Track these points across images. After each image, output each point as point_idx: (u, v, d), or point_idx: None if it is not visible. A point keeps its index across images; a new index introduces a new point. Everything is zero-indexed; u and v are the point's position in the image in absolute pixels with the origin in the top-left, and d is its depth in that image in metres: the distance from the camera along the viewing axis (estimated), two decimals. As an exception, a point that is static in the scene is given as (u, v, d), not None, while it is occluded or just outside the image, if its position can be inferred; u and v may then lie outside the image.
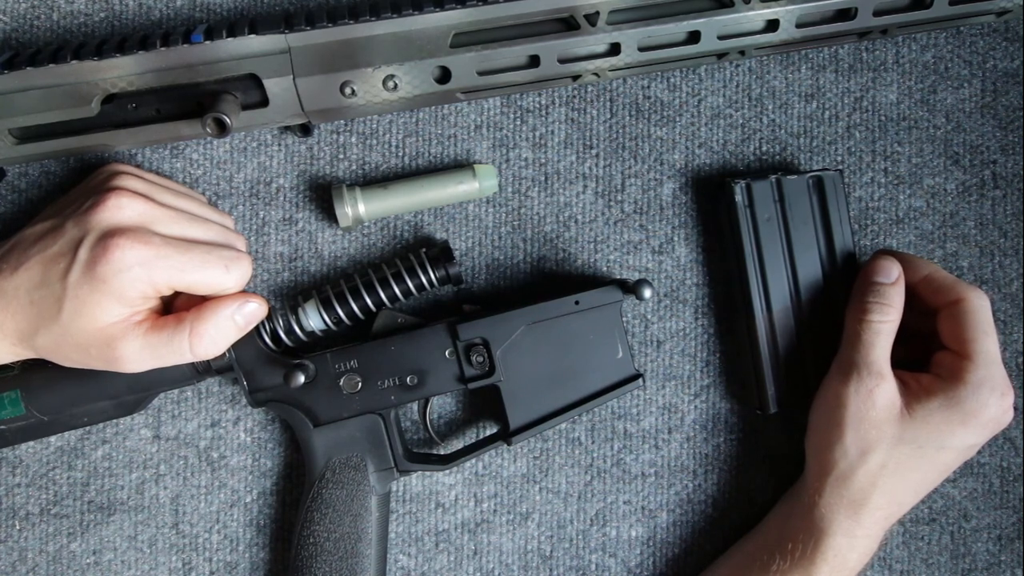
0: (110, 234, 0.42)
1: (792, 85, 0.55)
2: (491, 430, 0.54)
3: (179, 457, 0.53)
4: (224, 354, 0.48)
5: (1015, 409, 0.52)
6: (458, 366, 0.49)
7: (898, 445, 0.47)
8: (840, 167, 0.54)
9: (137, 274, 0.42)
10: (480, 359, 0.49)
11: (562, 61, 0.47)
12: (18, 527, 0.53)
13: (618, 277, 0.54)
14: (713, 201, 0.54)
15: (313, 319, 0.50)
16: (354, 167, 0.53)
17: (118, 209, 0.43)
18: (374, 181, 0.53)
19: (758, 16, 0.46)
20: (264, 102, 0.46)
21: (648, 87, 0.54)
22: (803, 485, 0.51)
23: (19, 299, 0.42)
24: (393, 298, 0.51)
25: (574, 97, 0.54)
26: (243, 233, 0.52)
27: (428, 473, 0.54)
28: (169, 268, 0.43)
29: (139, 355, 0.43)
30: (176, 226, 0.45)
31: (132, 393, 0.48)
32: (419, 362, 0.49)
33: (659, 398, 0.55)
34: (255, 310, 0.46)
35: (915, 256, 0.51)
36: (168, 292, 0.44)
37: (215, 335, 0.45)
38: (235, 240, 0.49)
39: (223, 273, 0.45)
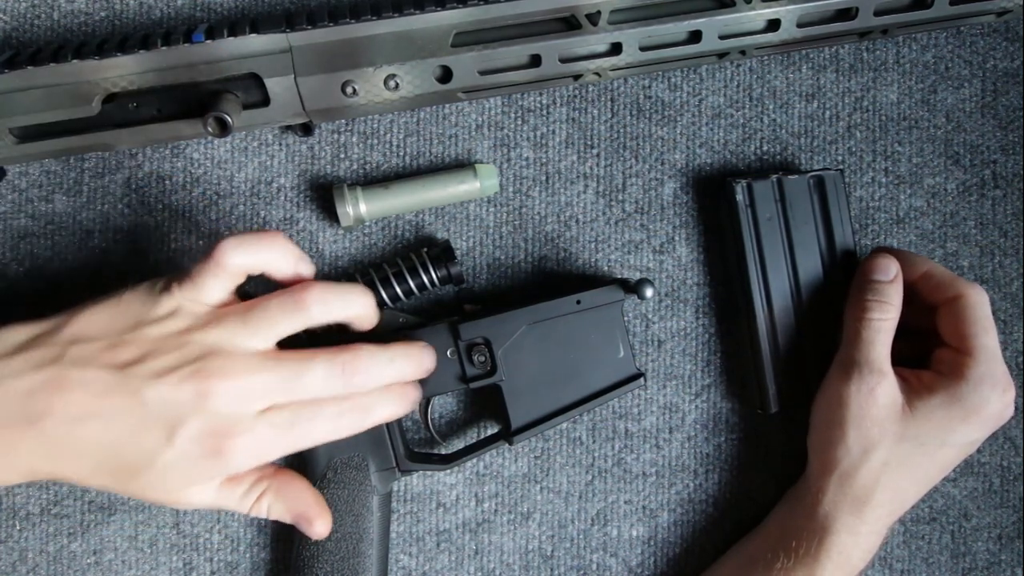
0: (216, 433, 0.39)
1: (793, 85, 0.55)
2: (492, 430, 0.54)
3: (180, 457, 0.53)
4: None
5: (1016, 407, 0.52)
6: (459, 365, 0.49)
7: (900, 442, 0.47)
8: (841, 167, 0.54)
9: (252, 462, 0.41)
10: (481, 359, 0.49)
11: (563, 61, 0.47)
12: (18, 527, 0.53)
13: (619, 276, 0.54)
14: (714, 201, 0.54)
15: (314, 319, 0.50)
16: (355, 167, 0.53)
17: (212, 399, 0.38)
18: (375, 181, 0.53)
19: (759, 16, 0.46)
20: (265, 101, 0.46)
21: (649, 87, 0.54)
22: (805, 484, 0.51)
23: (75, 449, 0.38)
24: (394, 297, 0.51)
25: (575, 97, 0.54)
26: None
27: (429, 473, 0.54)
28: (283, 449, 0.41)
29: (198, 503, 0.42)
30: (283, 389, 0.41)
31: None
32: (420, 361, 0.49)
33: (660, 397, 0.55)
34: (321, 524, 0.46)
35: (913, 253, 0.51)
36: None
37: (276, 511, 0.45)
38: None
39: (346, 427, 0.43)
